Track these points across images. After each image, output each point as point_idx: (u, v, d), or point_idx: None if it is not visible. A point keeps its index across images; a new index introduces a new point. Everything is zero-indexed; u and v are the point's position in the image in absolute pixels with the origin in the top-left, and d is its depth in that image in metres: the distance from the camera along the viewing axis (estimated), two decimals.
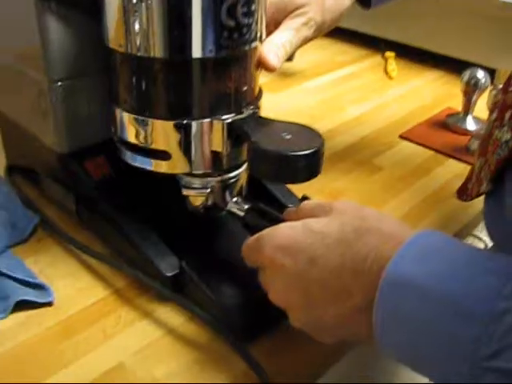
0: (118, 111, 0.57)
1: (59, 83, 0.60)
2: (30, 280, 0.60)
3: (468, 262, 0.41)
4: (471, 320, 0.38)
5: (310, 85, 1.17)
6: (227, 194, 0.61)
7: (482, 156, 0.62)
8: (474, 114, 0.98)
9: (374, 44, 1.35)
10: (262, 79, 0.62)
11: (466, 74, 0.94)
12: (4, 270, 0.60)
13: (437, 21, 1.23)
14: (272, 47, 0.60)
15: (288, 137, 0.51)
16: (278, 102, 1.06)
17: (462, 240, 0.77)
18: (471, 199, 0.66)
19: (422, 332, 0.41)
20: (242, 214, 0.60)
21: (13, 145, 0.79)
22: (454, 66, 1.21)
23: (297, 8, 0.63)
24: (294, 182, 0.54)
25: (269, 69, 0.59)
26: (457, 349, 0.39)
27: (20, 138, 0.73)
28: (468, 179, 0.67)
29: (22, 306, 0.58)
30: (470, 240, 0.88)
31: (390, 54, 1.31)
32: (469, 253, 0.43)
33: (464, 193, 0.68)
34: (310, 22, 0.64)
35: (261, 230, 0.52)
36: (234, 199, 0.61)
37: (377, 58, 1.33)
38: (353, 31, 1.35)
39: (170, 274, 0.58)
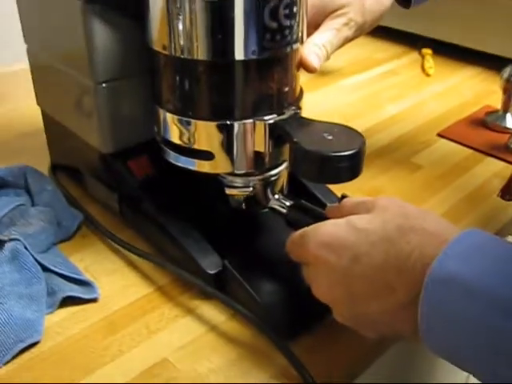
0: (161, 112, 0.59)
1: (104, 85, 0.61)
2: (76, 276, 0.61)
3: None
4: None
5: (348, 83, 1.18)
6: (269, 191, 0.62)
7: None
8: None
9: (410, 41, 1.35)
10: (300, 78, 0.62)
11: (506, 71, 0.93)
12: (51, 267, 0.61)
13: (474, 17, 1.22)
14: (313, 48, 0.61)
15: (329, 137, 0.52)
16: (315, 101, 1.06)
17: (502, 238, 0.77)
18: None
19: (466, 328, 0.41)
20: (284, 210, 0.61)
21: (57, 144, 0.81)
22: (492, 62, 1.20)
23: (337, 9, 0.64)
24: (336, 182, 0.55)
25: (309, 70, 0.60)
26: (501, 345, 0.39)
27: (64, 138, 0.75)
28: (511, 179, 0.67)
29: (68, 301, 0.60)
30: (509, 240, 0.87)
31: (427, 51, 1.31)
32: None
33: (507, 193, 0.67)
34: (350, 23, 0.64)
35: (304, 226, 0.53)
36: (276, 196, 0.62)
37: (414, 55, 1.32)
38: (389, 28, 1.35)
39: (212, 272, 0.59)
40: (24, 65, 0.76)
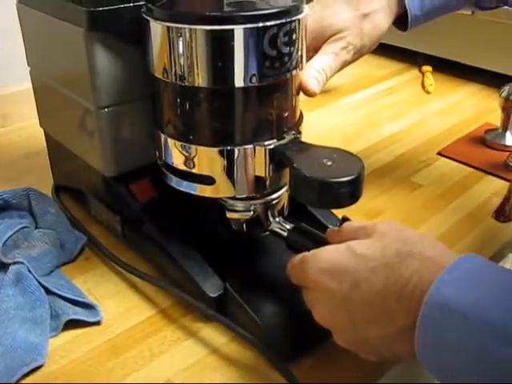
0: (162, 137, 0.59)
1: (106, 109, 0.62)
2: (80, 299, 0.62)
3: (510, 288, 0.42)
4: (510, 345, 0.39)
5: (347, 101, 1.18)
6: (270, 214, 0.62)
7: None
8: None
9: (410, 58, 1.36)
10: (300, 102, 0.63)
11: (505, 90, 0.94)
12: (54, 290, 0.62)
13: (474, 34, 1.23)
14: (312, 72, 0.62)
15: (329, 163, 0.52)
16: (315, 120, 1.07)
17: (501, 259, 0.77)
18: (509, 221, 0.66)
19: (463, 354, 0.41)
20: (284, 233, 0.61)
21: (59, 166, 0.82)
22: (492, 79, 1.20)
23: (335, 33, 0.65)
24: (336, 207, 0.56)
25: (309, 94, 0.60)
26: (496, 372, 0.39)
27: (66, 160, 0.76)
28: (506, 200, 0.67)
29: (71, 324, 0.60)
30: (509, 258, 0.88)
31: (426, 68, 1.32)
32: (510, 278, 0.43)
33: (502, 214, 0.68)
34: (348, 46, 0.65)
35: (304, 250, 0.54)
36: (277, 219, 0.63)
37: (414, 72, 1.33)
38: (389, 45, 1.36)
39: (214, 295, 0.60)
40: (27, 85, 0.77)
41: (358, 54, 0.68)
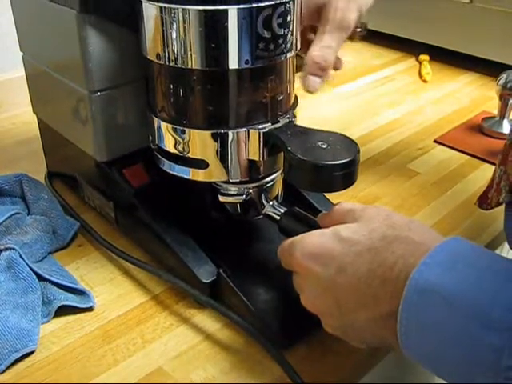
0: (155, 121, 0.59)
1: (98, 93, 0.61)
2: (72, 285, 0.61)
3: (493, 272, 0.41)
4: (494, 330, 0.38)
5: (344, 89, 1.18)
6: (263, 198, 0.62)
7: (503, 165, 0.62)
8: (511, 117, 0.97)
9: (407, 47, 1.35)
10: (296, 85, 0.62)
11: (503, 78, 0.93)
12: (46, 276, 0.61)
13: (472, 23, 1.22)
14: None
15: (324, 146, 0.52)
16: (312, 108, 1.06)
17: (497, 247, 0.77)
18: (491, 208, 0.65)
19: (444, 339, 0.41)
20: (278, 217, 0.61)
21: (53, 152, 0.81)
22: (489, 68, 1.20)
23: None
24: (329, 191, 0.55)
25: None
26: (479, 357, 0.39)
27: (59, 146, 0.75)
28: (489, 187, 0.66)
29: (64, 310, 0.60)
30: (505, 247, 0.87)
31: (424, 57, 1.31)
32: (495, 262, 0.42)
33: (484, 202, 0.67)
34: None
35: (295, 234, 0.53)
36: (271, 203, 0.62)
37: (411, 61, 1.32)
38: (386, 34, 1.35)
39: (207, 281, 0.59)
40: (21, 72, 0.76)
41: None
